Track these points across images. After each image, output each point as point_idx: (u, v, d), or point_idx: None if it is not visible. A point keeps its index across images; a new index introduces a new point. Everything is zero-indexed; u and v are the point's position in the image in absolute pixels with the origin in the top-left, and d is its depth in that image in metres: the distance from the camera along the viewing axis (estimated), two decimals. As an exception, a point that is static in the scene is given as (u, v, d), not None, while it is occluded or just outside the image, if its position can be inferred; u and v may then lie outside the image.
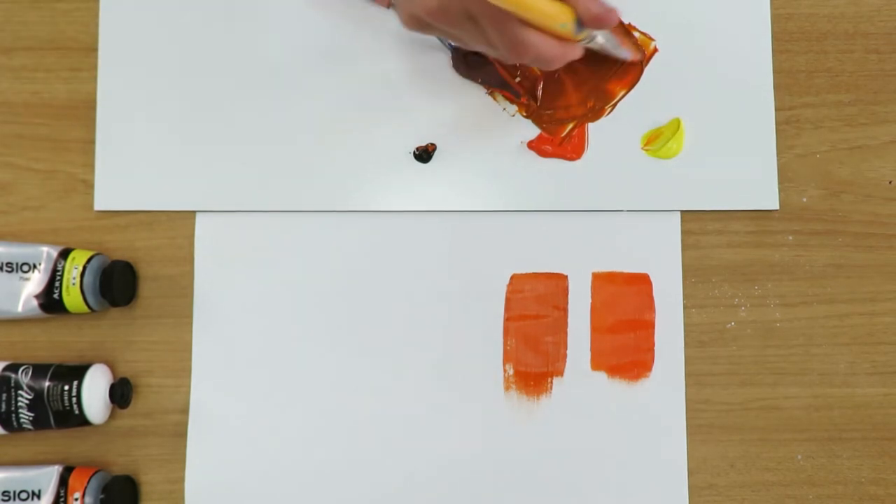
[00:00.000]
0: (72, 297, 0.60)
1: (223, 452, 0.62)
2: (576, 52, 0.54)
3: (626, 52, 0.63)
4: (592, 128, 0.65)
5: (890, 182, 0.65)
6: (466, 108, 0.65)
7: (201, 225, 0.64)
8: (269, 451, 0.62)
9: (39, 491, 0.59)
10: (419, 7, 0.53)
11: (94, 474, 0.60)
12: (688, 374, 0.64)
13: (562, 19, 0.52)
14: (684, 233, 0.65)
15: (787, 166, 0.65)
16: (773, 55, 0.65)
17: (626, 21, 0.65)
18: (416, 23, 0.55)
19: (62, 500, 0.59)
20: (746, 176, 0.64)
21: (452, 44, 0.65)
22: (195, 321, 0.63)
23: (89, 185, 0.64)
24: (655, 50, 0.65)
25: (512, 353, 0.63)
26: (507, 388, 0.63)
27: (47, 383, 0.59)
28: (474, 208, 0.64)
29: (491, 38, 0.53)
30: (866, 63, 0.66)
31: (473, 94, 0.65)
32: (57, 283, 0.60)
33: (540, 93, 0.65)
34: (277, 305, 0.63)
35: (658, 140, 0.64)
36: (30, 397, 0.59)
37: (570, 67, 0.65)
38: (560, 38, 0.53)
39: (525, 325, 0.64)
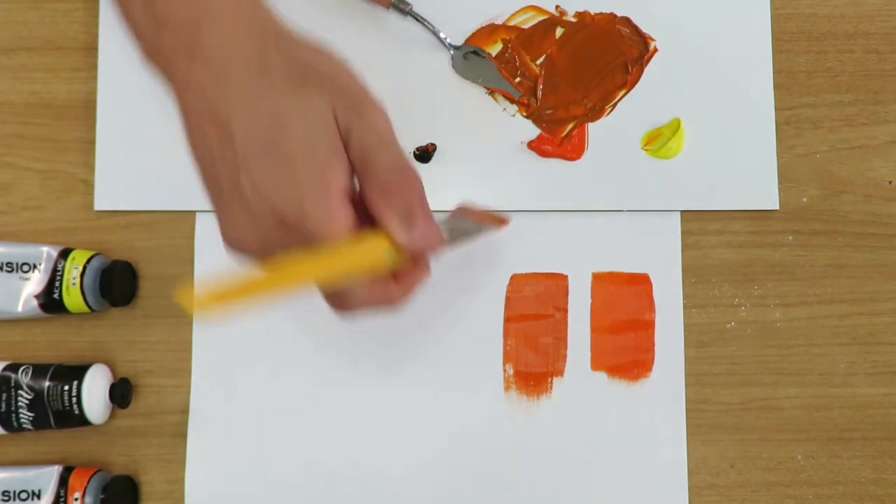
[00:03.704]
0: (72, 297, 0.60)
1: (223, 452, 0.62)
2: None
3: (487, 228, 0.52)
4: (592, 128, 0.65)
5: (890, 182, 0.65)
6: (466, 108, 0.65)
7: (201, 225, 0.64)
8: (269, 451, 0.62)
9: (39, 491, 0.59)
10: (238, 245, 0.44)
11: (94, 474, 0.60)
12: (688, 374, 0.63)
13: (379, 257, 0.43)
14: (684, 233, 0.65)
15: (787, 166, 0.65)
16: (773, 55, 0.65)
17: (623, 18, 0.65)
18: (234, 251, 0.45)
19: (62, 500, 0.58)
20: (746, 176, 0.64)
21: (453, 44, 0.65)
22: (195, 321, 0.63)
23: (89, 185, 0.64)
24: (655, 50, 0.65)
25: (512, 353, 0.63)
26: (507, 388, 0.63)
27: (47, 383, 0.59)
28: (474, 208, 0.64)
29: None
30: (866, 63, 0.66)
31: (473, 94, 0.65)
32: (57, 283, 0.60)
33: (540, 93, 0.65)
34: (277, 305, 0.63)
35: (658, 140, 0.64)
36: (30, 397, 0.59)
37: (570, 66, 0.65)
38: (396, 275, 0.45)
39: (525, 325, 0.64)
